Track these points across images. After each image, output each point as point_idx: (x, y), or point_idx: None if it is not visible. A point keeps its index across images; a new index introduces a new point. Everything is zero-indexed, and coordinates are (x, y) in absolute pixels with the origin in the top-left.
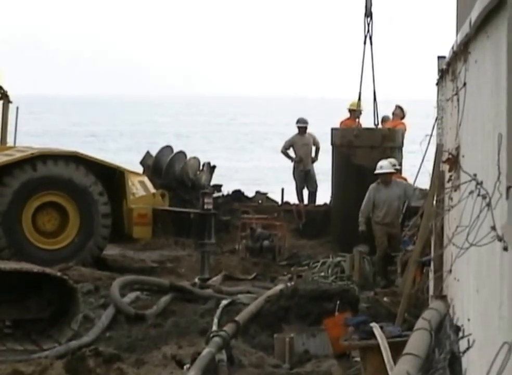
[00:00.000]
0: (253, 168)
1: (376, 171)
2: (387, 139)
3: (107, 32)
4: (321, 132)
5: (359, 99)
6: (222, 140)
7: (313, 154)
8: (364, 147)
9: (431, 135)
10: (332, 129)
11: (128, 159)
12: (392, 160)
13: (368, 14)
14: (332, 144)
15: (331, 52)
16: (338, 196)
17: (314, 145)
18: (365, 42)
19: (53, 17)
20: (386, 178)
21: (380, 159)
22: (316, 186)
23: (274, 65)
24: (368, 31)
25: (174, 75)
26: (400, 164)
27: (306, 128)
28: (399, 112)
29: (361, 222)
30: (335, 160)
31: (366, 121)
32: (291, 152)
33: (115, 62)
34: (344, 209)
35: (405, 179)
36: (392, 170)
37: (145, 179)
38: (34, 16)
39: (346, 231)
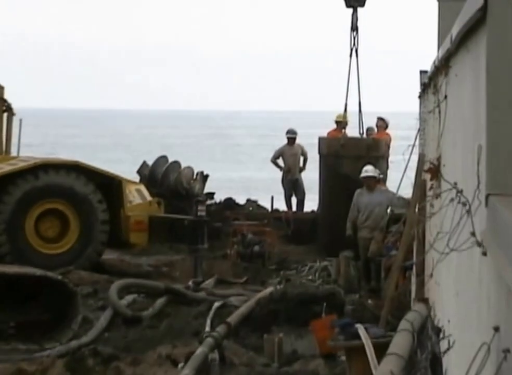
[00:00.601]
0: (243, 178)
1: (361, 175)
2: (372, 149)
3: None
4: (307, 142)
5: (345, 110)
6: (212, 151)
7: (301, 164)
8: (350, 157)
9: (414, 146)
10: (320, 138)
11: (121, 169)
12: (377, 170)
13: (354, 28)
14: (319, 153)
15: (317, 66)
16: (325, 204)
17: (302, 155)
18: (350, 55)
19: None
20: (370, 183)
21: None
22: (304, 194)
23: (261, 79)
24: (354, 44)
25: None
26: (385, 174)
27: (295, 138)
28: (382, 123)
29: (348, 227)
30: (323, 169)
31: (351, 132)
32: (280, 161)
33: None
34: (331, 216)
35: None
36: (376, 175)
37: (142, 187)
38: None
39: (333, 238)
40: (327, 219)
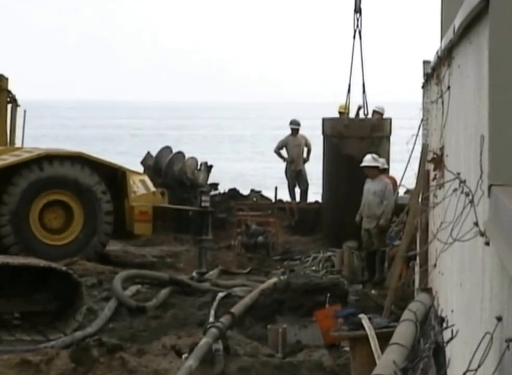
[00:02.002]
0: (248, 168)
1: (361, 164)
2: (376, 129)
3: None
4: (310, 133)
5: (349, 91)
6: (217, 142)
7: (305, 155)
8: (353, 138)
9: (417, 136)
10: (323, 119)
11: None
12: (381, 160)
13: (357, 10)
14: (323, 133)
15: (317, 57)
16: (328, 185)
17: (306, 146)
18: (354, 37)
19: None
20: (368, 172)
21: (367, 151)
22: (307, 185)
23: (266, 71)
24: (357, 26)
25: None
26: (388, 154)
27: (298, 129)
28: (378, 116)
29: (358, 213)
30: (326, 150)
31: None
32: (283, 152)
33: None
34: (334, 198)
35: (394, 180)
36: (373, 164)
37: (146, 178)
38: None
39: (336, 221)
40: (330, 201)
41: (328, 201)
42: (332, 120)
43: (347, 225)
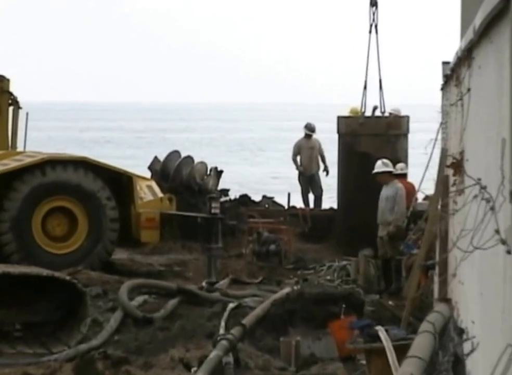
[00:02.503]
0: (259, 173)
1: (372, 172)
2: (392, 127)
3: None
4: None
5: (365, 87)
6: (226, 146)
7: (319, 160)
8: (368, 135)
9: (436, 140)
10: (338, 117)
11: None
12: (399, 165)
13: (373, 3)
14: (338, 132)
15: (329, 60)
16: (344, 183)
17: (319, 152)
18: (370, 31)
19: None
20: (380, 179)
21: (383, 149)
22: (321, 191)
23: (275, 73)
24: (374, 20)
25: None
26: (406, 151)
27: (311, 136)
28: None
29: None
30: (341, 148)
31: None
32: (299, 158)
33: None
34: (349, 195)
35: (412, 185)
36: (382, 170)
37: (153, 183)
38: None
39: (351, 225)
40: (344, 200)
41: (341, 200)
42: (347, 118)
43: (362, 228)
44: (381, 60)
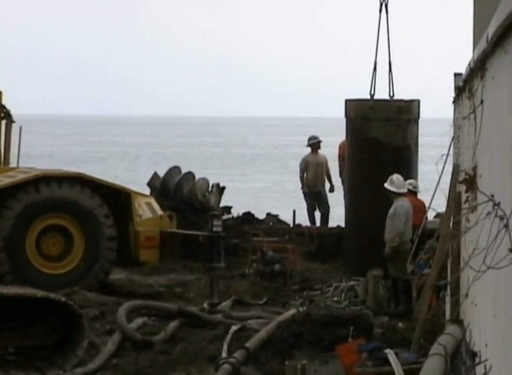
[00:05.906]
0: (263, 189)
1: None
2: (403, 112)
3: None
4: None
5: (375, 69)
6: (226, 161)
7: (326, 180)
8: (379, 120)
9: (447, 155)
10: (346, 101)
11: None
12: (412, 182)
13: None
14: (346, 116)
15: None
16: (353, 170)
17: (326, 170)
18: (380, 11)
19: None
20: (387, 194)
21: (394, 134)
22: (328, 208)
23: (273, 86)
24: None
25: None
26: (416, 138)
27: (318, 143)
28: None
29: None
30: (349, 134)
31: None
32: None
33: None
34: (357, 186)
35: (422, 203)
36: (387, 187)
37: (152, 200)
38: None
39: (359, 239)
40: (353, 189)
41: (350, 187)
42: (356, 101)
43: (372, 247)
44: (391, 41)
